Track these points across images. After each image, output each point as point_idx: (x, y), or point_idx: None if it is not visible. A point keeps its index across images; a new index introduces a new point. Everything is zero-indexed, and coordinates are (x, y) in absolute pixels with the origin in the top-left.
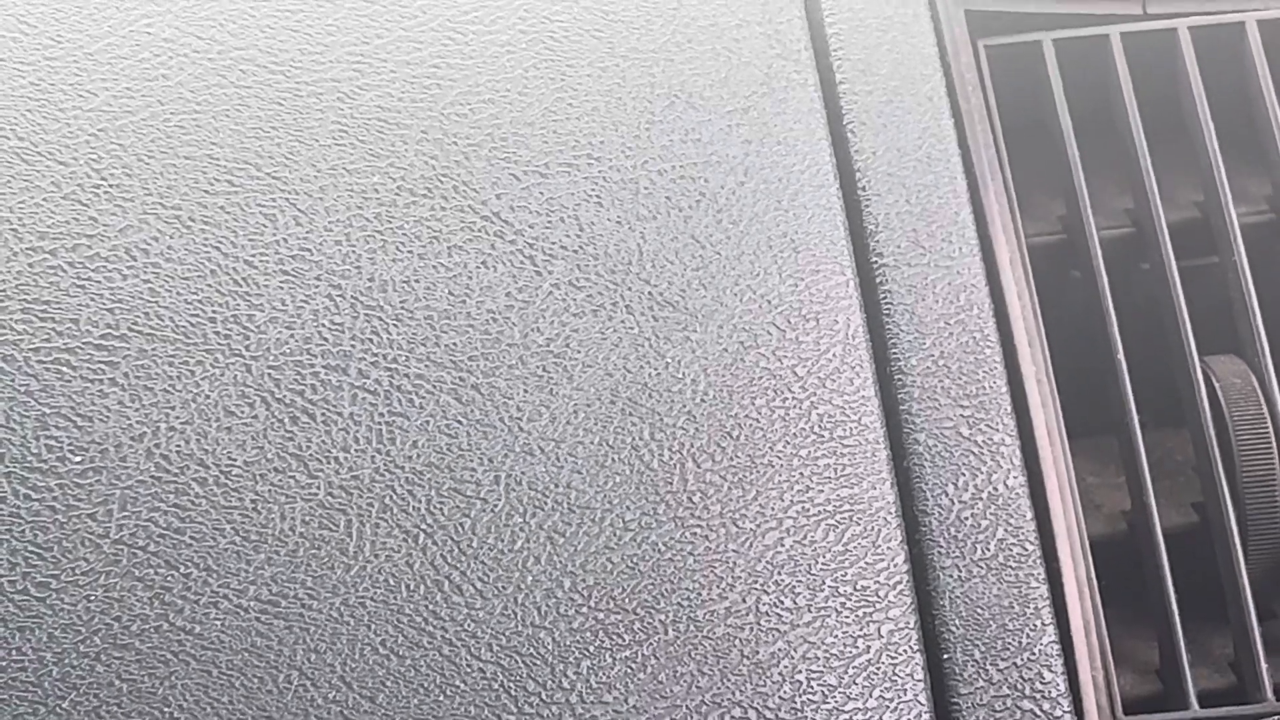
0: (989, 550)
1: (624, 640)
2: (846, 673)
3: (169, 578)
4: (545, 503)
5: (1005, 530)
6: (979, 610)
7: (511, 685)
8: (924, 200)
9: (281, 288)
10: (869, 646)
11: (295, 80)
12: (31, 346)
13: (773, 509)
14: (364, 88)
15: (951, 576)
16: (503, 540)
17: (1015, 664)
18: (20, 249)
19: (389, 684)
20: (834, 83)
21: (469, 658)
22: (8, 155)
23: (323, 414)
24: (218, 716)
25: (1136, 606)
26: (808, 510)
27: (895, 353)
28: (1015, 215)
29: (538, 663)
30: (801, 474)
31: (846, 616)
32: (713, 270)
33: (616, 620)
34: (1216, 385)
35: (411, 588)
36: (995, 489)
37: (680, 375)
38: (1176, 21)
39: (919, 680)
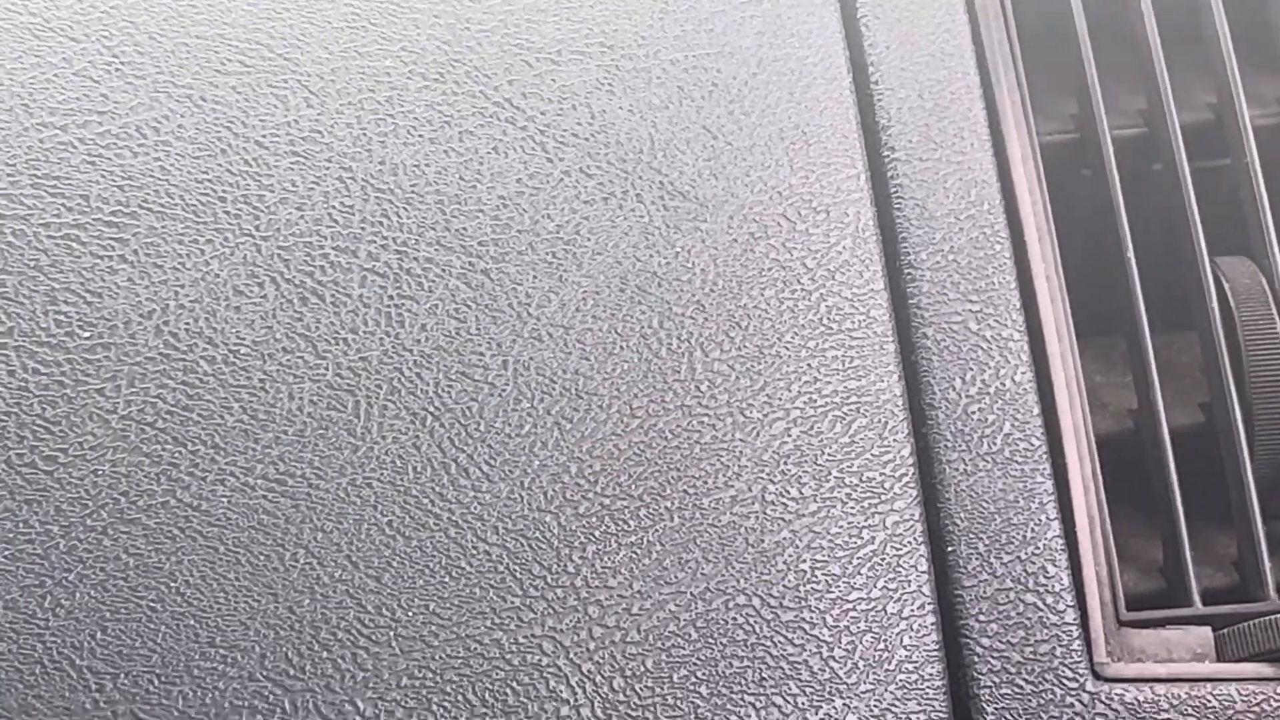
0: (995, 445)
1: (629, 526)
2: (851, 563)
3: (176, 454)
4: (553, 388)
5: (1012, 425)
6: (984, 504)
7: (517, 568)
8: (936, 95)
9: (292, 169)
10: (874, 537)
11: None
12: (41, 221)
13: (780, 399)
14: None
15: (957, 470)
16: (510, 424)
17: (1019, 558)
18: (31, 124)
19: (395, 564)
20: None
21: (475, 540)
22: (20, 31)
23: (332, 295)
24: (224, 592)
25: (1141, 505)
26: (815, 401)
27: (905, 247)
28: (1028, 112)
29: (543, 546)
30: (809, 365)
31: (852, 507)
32: (724, 160)
33: (622, 506)
34: (1226, 286)
35: (418, 469)
36: (1003, 384)
37: (690, 264)
38: None
39: (923, 572)
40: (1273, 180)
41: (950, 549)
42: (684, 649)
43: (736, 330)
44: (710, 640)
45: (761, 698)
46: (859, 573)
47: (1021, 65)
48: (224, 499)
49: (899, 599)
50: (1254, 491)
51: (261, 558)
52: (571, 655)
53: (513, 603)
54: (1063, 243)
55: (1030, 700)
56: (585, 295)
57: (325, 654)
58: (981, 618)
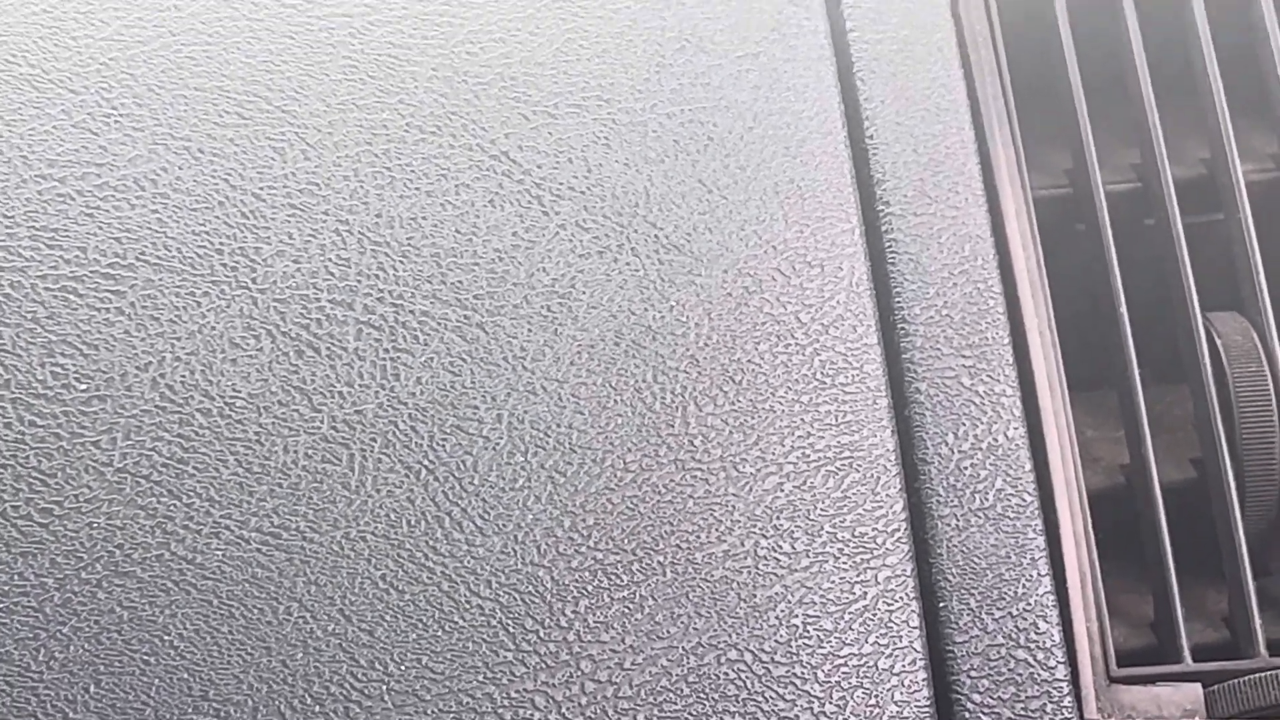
0: (987, 500)
1: (622, 581)
2: (843, 618)
3: (171, 507)
4: (547, 442)
5: (1004, 481)
6: (976, 559)
7: (510, 622)
8: (931, 150)
9: (289, 221)
10: (865, 593)
11: (307, 14)
12: (39, 274)
13: (773, 454)
14: (375, 24)
15: (949, 525)
16: (504, 478)
17: (1010, 614)
18: (29, 176)
19: (388, 618)
20: (844, 30)
21: (468, 594)
22: (18, 82)
23: (327, 348)
24: (217, 646)
25: (1132, 561)
26: (808, 456)
27: (899, 301)
28: (1022, 167)
29: (536, 601)
30: (802, 420)
31: (844, 562)
32: (719, 214)
33: (615, 561)
34: (1218, 342)
35: (412, 523)
36: (995, 439)
37: (684, 318)
38: None
39: (914, 627)
40: (1265, 236)
41: (942, 604)
42: (676, 704)
43: (730, 384)
44: (702, 695)
45: None
46: (850, 628)
47: (1015, 120)
48: (218, 552)
49: (890, 654)
50: (1245, 548)
51: (255, 611)
52: (564, 710)
53: (505, 657)
54: (1055, 297)
55: None
56: (580, 349)
57: (318, 708)
58: (973, 674)
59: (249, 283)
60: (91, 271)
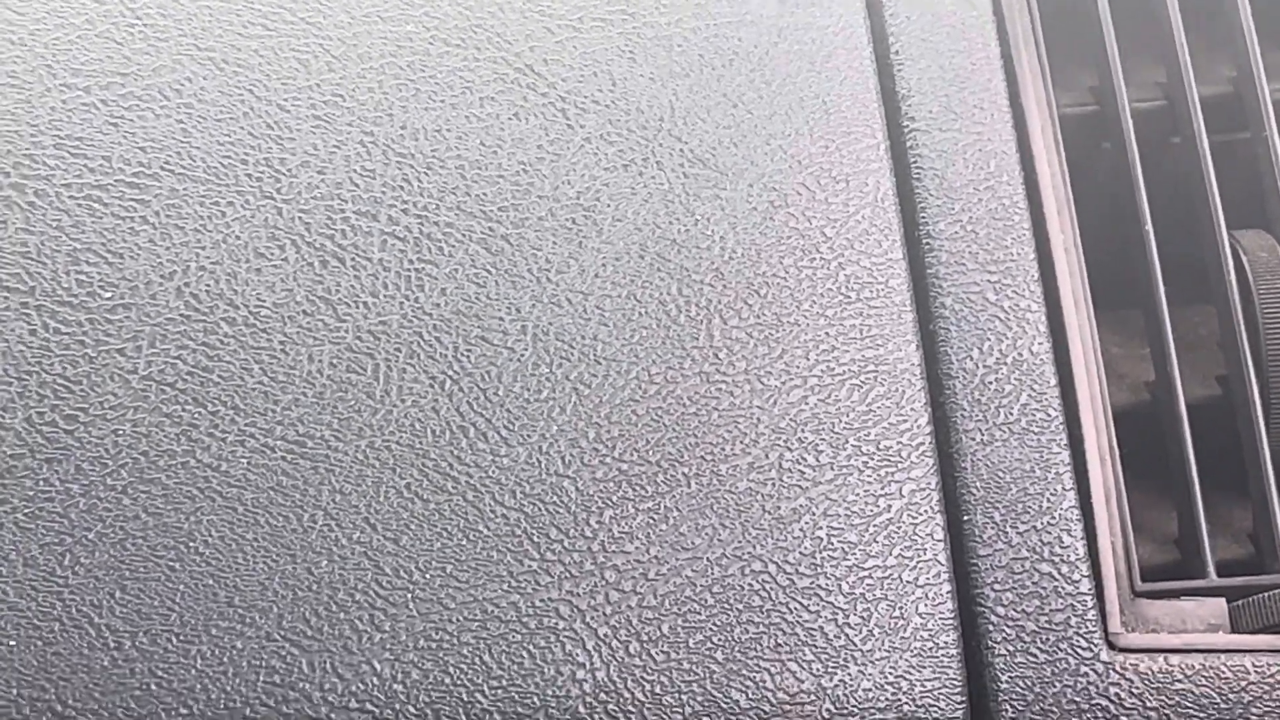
0: (1012, 415)
1: (646, 492)
2: (867, 530)
3: (196, 415)
4: (571, 354)
5: (1029, 396)
6: (1000, 474)
7: (534, 532)
8: (957, 66)
9: (313, 132)
10: (890, 505)
11: None
12: (64, 182)
13: (798, 367)
14: None
15: (974, 439)
16: (528, 389)
17: (1035, 528)
18: (54, 85)
19: (413, 527)
20: None
21: (493, 504)
22: None
23: (352, 259)
24: (242, 553)
25: (1157, 477)
26: (833, 370)
27: (924, 217)
28: (1048, 84)
29: (560, 511)
30: (827, 334)
31: (868, 475)
32: (744, 129)
33: (640, 472)
34: (1244, 258)
35: (437, 433)
36: (1020, 355)
37: (709, 232)
38: None
39: (939, 540)
40: None
41: (966, 518)
42: (700, 614)
43: (755, 298)
44: (726, 606)
45: (776, 664)
46: (875, 540)
47: (1042, 37)
48: (243, 460)
49: (914, 567)
50: (1270, 464)
51: (280, 519)
52: (588, 619)
53: (530, 566)
54: (1081, 215)
55: (1044, 669)
56: (604, 262)
57: (343, 615)
58: (997, 587)
59: (273, 193)
60: (116, 180)
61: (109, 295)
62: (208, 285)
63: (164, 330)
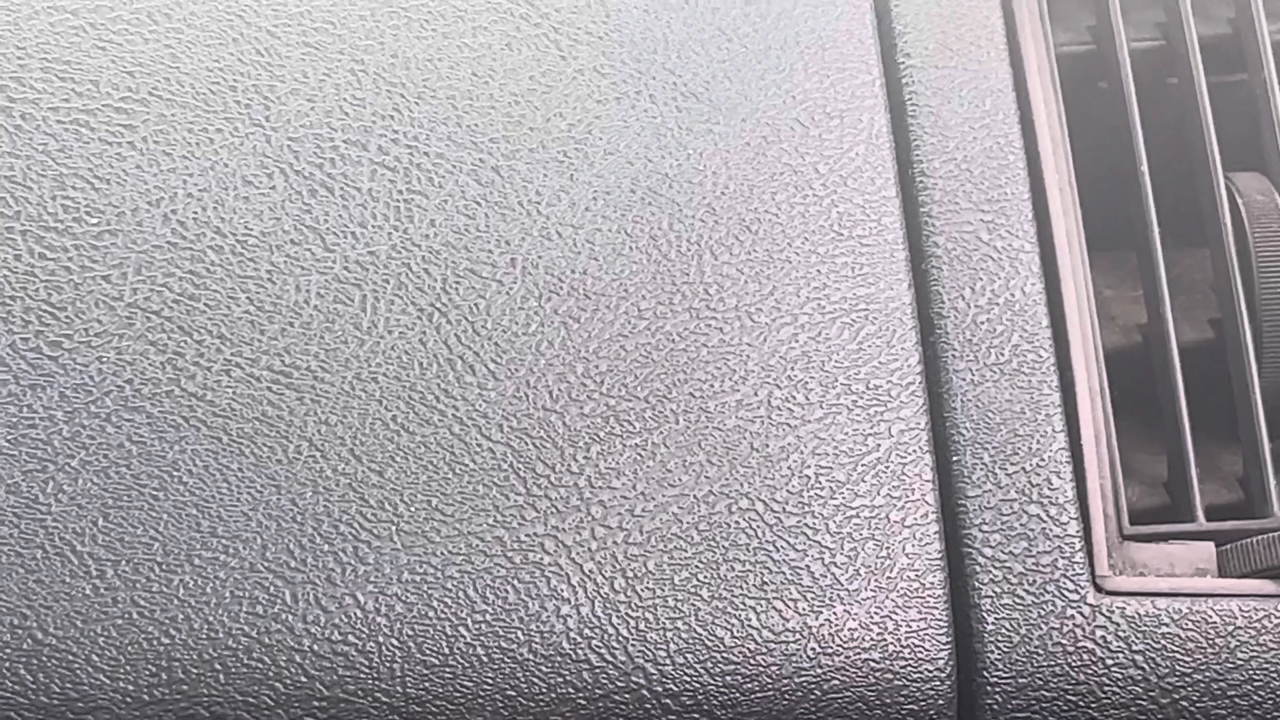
0: (1003, 355)
1: (634, 428)
2: (855, 470)
3: (182, 343)
4: (561, 288)
5: (1020, 336)
6: (990, 414)
7: (520, 466)
8: (954, 2)
9: (303, 60)
10: (879, 445)
11: None
12: (50, 106)
13: (788, 304)
14: None
15: (964, 379)
16: (517, 323)
17: (1024, 469)
18: (41, 8)
19: (398, 459)
20: None
21: (479, 437)
22: None
23: (341, 188)
24: (226, 483)
25: (1147, 420)
26: (823, 307)
27: (918, 154)
28: (1045, 23)
29: (547, 446)
30: (819, 271)
31: (857, 414)
32: (738, 63)
33: (628, 408)
34: (1239, 201)
35: (424, 365)
36: (1012, 295)
37: (701, 167)
38: None
39: (927, 480)
40: None
41: (955, 458)
42: (686, 551)
43: (746, 234)
44: (712, 543)
45: (762, 602)
46: (863, 480)
47: None
48: (228, 389)
49: (902, 507)
50: (1261, 408)
51: (265, 449)
52: (573, 555)
53: (515, 501)
54: (1077, 155)
55: (1031, 611)
56: (595, 195)
57: (327, 547)
58: (985, 528)
59: (262, 120)
60: (103, 105)
61: (95, 221)
62: (195, 212)
63: (150, 257)
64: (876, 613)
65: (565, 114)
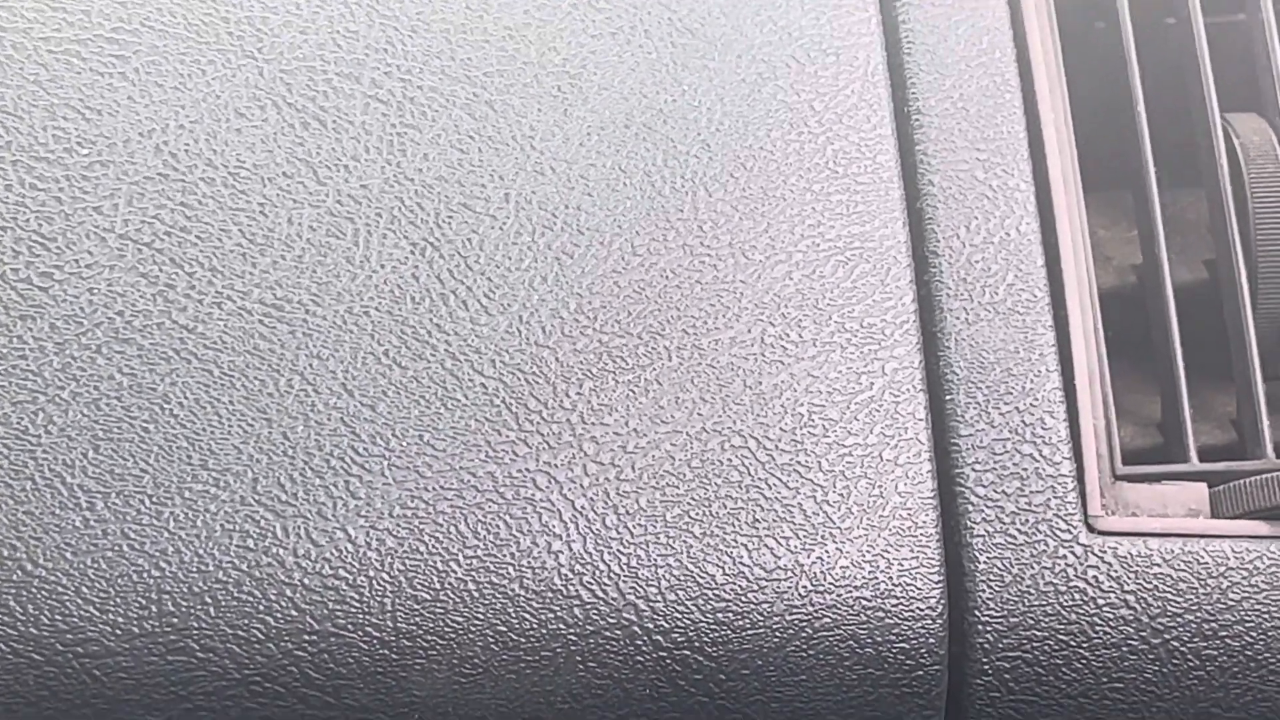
0: (997, 294)
1: (627, 364)
2: (848, 408)
3: (173, 275)
4: (554, 223)
5: (1015, 275)
6: (984, 353)
7: (512, 402)
8: None
9: None
10: (872, 383)
11: None
12: (41, 35)
13: (782, 242)
14: None
15: (958, 318)
16: (510, 258)
17: (1017, 408)
18: None
19: (390, 393)
20: None
21: (471, 372)
22: None
23: (334, 121)
24: (217, 416)
25: (1141, 361)
26: (818, 245)
27: (914, 92)
28: None
29: (540, 381)
30: (813, 209)
31: (851, 352)
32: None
33: (621, 344)
34: (1236, 142)
35: (416, 299)
36: (1007, 234)
37: (696, 103)
38: None
39: (920, 419)
40: None
41: (949, 397)
42: (678, 488)
43: (741, 171)
44: (704, 481)
45: (754, 539)
46: (856, 418)
47: None
48: (220, 322)
49: (895, 445)
50: (1255, 349)
51: (256, 382)
52: (565, 491)
53: (508, 436)
54: (1073, 95)
55: (1023, 550)
56: (590, 130)
57: (318, 481)
58: (977, 467)
59: (254, 52)
60: (95, 35)
61: (86, 152)
62: (187, 144)
63: (141, 189)
64: (868, 551)
65: (560, 48)
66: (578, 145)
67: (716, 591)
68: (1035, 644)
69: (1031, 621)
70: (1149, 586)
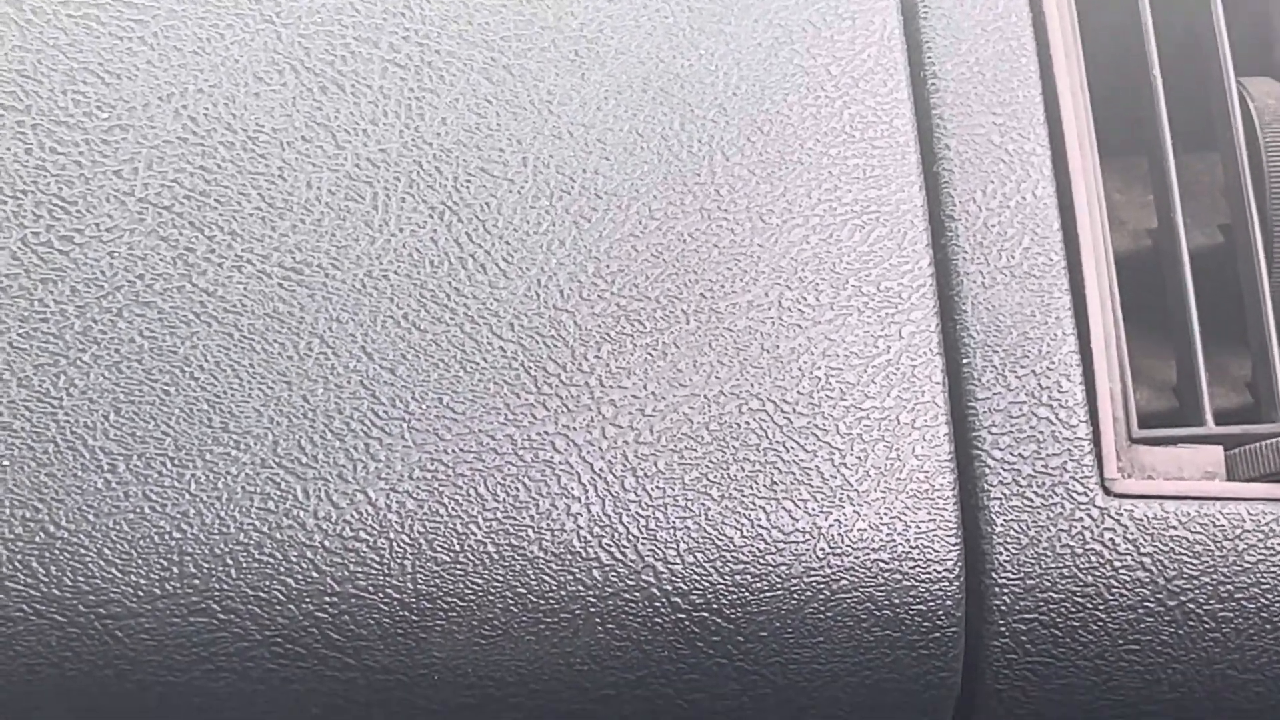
0: (1014, 258)
1: (645, 328)
2: (865, 371)
3: (193, 239)
4: (572, 187)
5: (1031, 239)
6: (1001, 317)
7: (531, 365)
8: None
9: None
10: (889, 347)
11: None
12: (61, 0)
13: (800, 206)
14: None
15: (975, 282)
16: (528, 222)
17: (1034, 372)
18: None
19: (409, 357)
20: None
21: (490, 336)
22: None
23: (352, 85)
24: (238, 379)
25: (1157, 324)
26: (835, 209)
27: (930, 56)
28: None
29: (558, 345)
30: (830, 172)
31: (868, 316)
32: None
33: (639, 308)
34: (1251, 105)
35: (435, 263)
36: (1023, 198)
37: (713, 67)
38: None
39: (937, 383)
40: None
41: (965, 361)
42: (696, 451)
43: (758, 135)
44: (723, 444)
45: (772, 502)
46: (873, 381)
47: None
48: (240, 285)
49: (912, 409)
50: (1270, 313)
51: (276, 345)
52: (584, 454)
53: (526, 399)
54: (1089, 59)
55: (1040, 513)
56: (607, 95)
57: (338, 443)
58: (994, 430)
59: (273, 16)
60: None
61: (106, 116)
62: (206, 108)
63: (161, 152)
64: (886, 513)
65: (577, 12)
66: (595, 109)
67: (735, 554)
68: (1052, 606)
69: (1048, 584)
70: (1165, 549)
